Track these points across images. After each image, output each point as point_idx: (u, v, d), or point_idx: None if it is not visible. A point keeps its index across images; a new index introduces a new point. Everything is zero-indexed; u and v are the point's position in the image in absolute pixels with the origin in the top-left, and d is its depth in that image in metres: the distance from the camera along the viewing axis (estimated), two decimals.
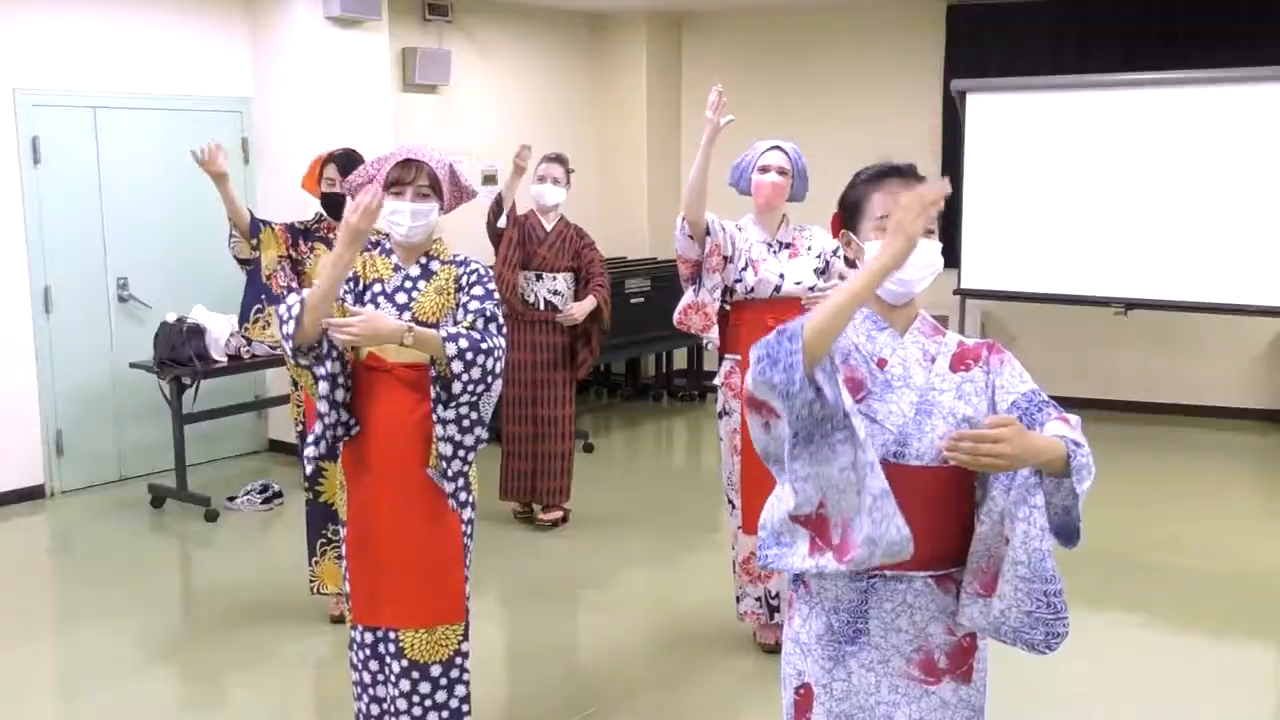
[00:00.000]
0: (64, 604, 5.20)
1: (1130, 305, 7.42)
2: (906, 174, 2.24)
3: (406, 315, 3.05)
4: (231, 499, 6.29)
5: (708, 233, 4.18)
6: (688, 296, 4.35)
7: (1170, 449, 7.50)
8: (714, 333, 4.30)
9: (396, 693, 3.17)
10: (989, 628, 2.16)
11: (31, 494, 6.39)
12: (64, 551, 5.95)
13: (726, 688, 4.16)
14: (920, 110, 8.70)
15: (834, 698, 2.19)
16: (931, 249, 2.17)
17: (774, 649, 4.21)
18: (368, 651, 3.21)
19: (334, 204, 4.48)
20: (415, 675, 3.14)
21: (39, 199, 6.32)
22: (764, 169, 4.25)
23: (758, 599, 4.35)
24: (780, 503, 2.09)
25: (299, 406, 4.76)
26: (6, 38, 6.15)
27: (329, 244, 4.62)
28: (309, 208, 4.76)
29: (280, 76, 7.03)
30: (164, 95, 6.78)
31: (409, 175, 3.08)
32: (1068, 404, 2.13)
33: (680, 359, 9.34)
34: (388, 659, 3.17)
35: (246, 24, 7.12)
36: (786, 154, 4.26)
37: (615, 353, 8.24)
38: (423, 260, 3.15)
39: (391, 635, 3.14)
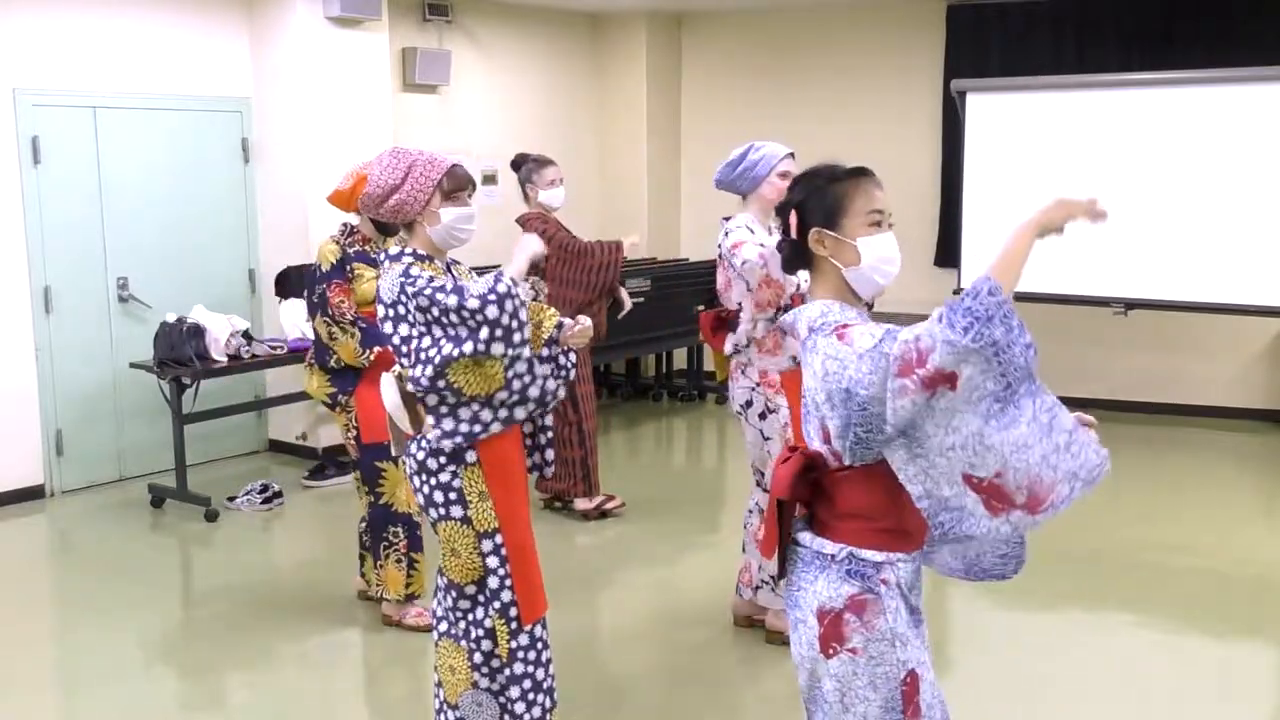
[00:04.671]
0: (64, 604, 5.21)
1: (1130, 305, 7.41)
2: (871, 174, 2.37)
3: None
4: (231, 499, 6.29)
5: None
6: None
7: (1170, 449, 7.50)
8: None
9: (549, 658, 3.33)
10: (960, 569, 2.43)
11: (31, 494, 6.40)
12: (64, 551, 5.95)
13: (728, 686, 4.16)
14: (920, 110, 8.71)
15: (929, 671, 2.31)
16: (885, 242, 2.33)
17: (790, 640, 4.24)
18: (542, 643, 3.26)
19: None
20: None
21: (39, 199, 6.32)
22: (784, 175, 4.21)
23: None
24: (935, 473, 2.12)
25: (350, 413, 4.55)
26: (6, 38, 6.15)
27: (365, 258, 4.51)
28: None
29: (280, 76, 7.03)
30: (164, 95, 6.78)
31: (467, 182, 3.18)
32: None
33: (680, 359, 9.34)
34: (546, 637, 3.30)
35: (246, 24, 7.12)
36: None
37: (615, 353, 8.25)
38: (448, 261, 3.22)
39: (544, 618, 3.29)
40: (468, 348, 2.92)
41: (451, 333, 2.95)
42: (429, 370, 2.97)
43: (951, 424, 2.08)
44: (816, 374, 2.22)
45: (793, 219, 2.37)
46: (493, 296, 2.92)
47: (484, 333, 2.91)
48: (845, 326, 2.20)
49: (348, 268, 4.49)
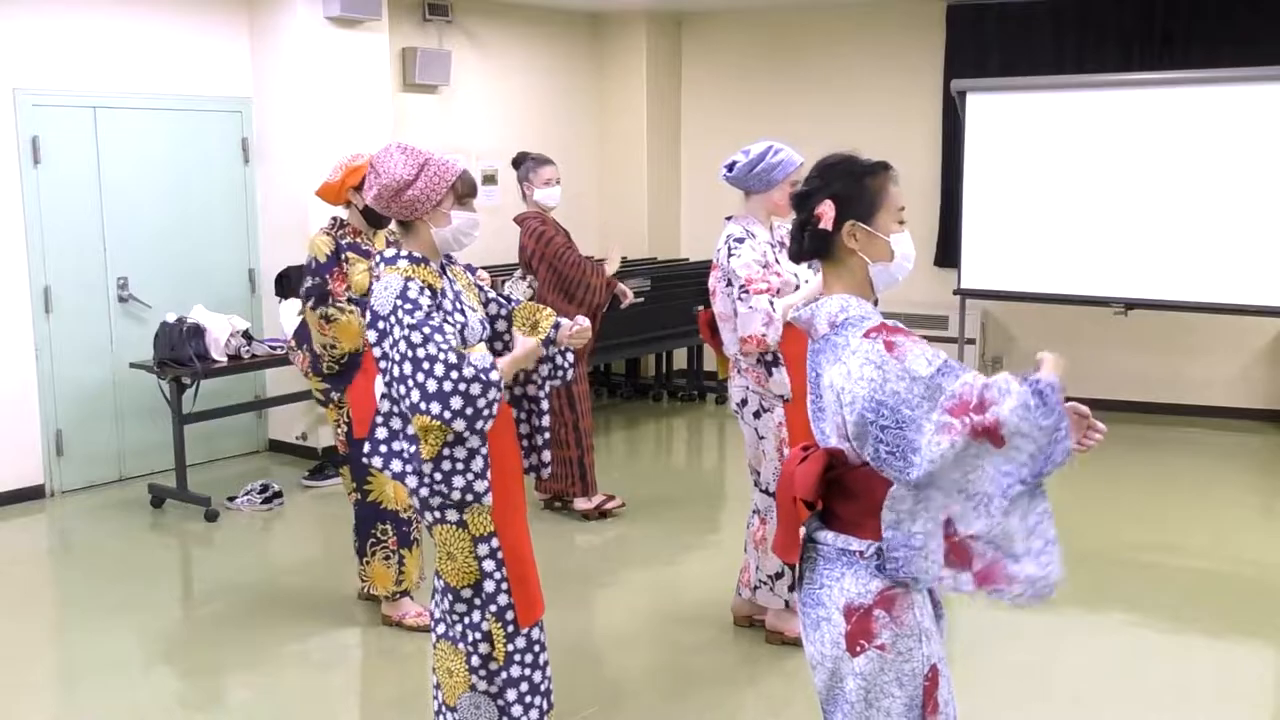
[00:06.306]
0: (64, 604, 5.21)
1: (1130, 305, 7.42)
2: (893, 169, 2.37)
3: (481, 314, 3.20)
4: (231, 499, 6.29)
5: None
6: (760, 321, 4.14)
7: (1170, 449, 7.50)
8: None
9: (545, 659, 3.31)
10: None
11: (31, 494, 6.40)
12: (64, 551, 5.95)
13: (728, 686, 4.16)
14: (920, 110, 8.71)
15: (947, 667, 2.30)
16: (909, 240, 2.34)
17: (790, 640, 4.29)
18: (539, 645, 3.26)
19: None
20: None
21: (39, 199, 6.32)
22: (795, 184, 4.20)
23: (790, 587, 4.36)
24: (921, 513, 2.15)
25: (342, 409, 4.57)
26: (6, 38, 6.15)
27: (359, 251, 4.52)
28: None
29: (280, 76, 7.03)
30: (164, 95, 6.78)
31: (475, 188, 3.18)
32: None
33: (680, 359, 9.34)
34: (544, 640, 3.29)
35: (246, 24, 7.12)
36: None
37: (615, 353, 8.25)
38: (442, 263, 3.19)
39: (541, 621, 3.28)
40: (435, 408, 2.86)
41: (426, 385, 2.87)
42: (384, 404, 3.01)
43: (970, 472, 2.10)
44: (850, 374, 2.16)
45: (829, 209, 2.27)
46: (484, 378, 2.89)
47: (455, 402, 2.86)
48: (891, 335, 2.17)
49: (342, 257, 4.50)
